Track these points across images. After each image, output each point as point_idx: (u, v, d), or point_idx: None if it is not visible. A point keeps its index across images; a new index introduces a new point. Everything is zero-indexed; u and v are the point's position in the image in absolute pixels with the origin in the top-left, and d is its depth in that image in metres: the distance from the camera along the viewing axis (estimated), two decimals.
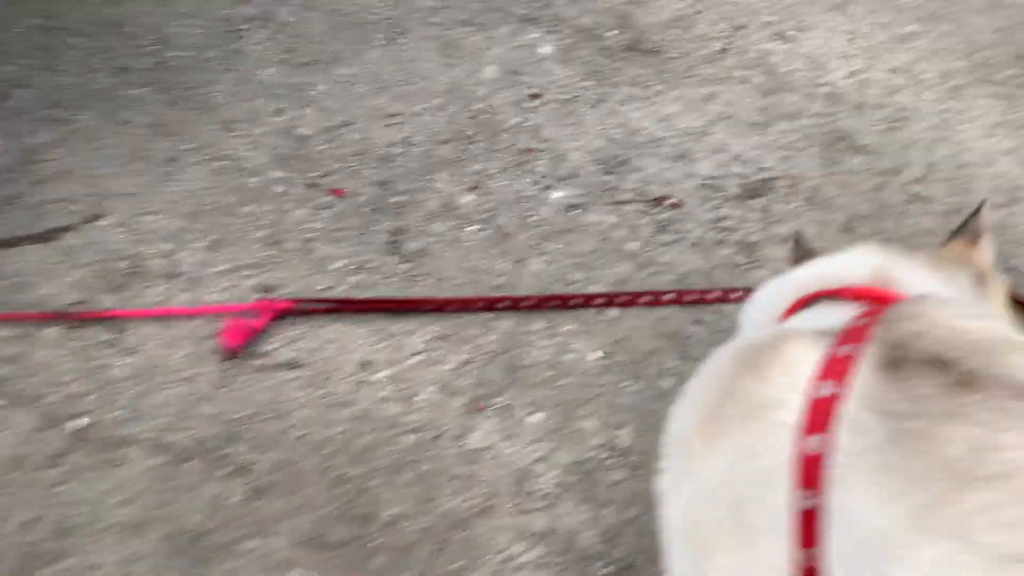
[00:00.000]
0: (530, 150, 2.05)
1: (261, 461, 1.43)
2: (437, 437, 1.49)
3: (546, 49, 2.36)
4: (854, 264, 0.96)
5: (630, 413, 1.55)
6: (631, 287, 1.76)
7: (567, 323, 1.69)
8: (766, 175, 2.05)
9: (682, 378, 1.59)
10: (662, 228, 1.90)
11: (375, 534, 1.35)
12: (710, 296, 1.74)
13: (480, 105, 2.16)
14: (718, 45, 2.45)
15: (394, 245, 1.80)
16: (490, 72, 2.26)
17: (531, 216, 1.89)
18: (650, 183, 2.00)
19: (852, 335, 0.80)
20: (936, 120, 2.26)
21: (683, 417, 0.90)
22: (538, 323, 1.68)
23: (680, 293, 1.74)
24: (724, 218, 1.94)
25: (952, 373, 0.70)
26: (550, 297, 1.70)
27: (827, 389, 0.74)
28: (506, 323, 1.68)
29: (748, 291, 1.75)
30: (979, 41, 2.57)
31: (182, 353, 1.57)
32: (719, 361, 0.90)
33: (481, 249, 1.81)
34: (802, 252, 1.14)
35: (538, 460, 1.47)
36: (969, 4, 2.74)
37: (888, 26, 2.58)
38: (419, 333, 1.64)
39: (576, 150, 2.06)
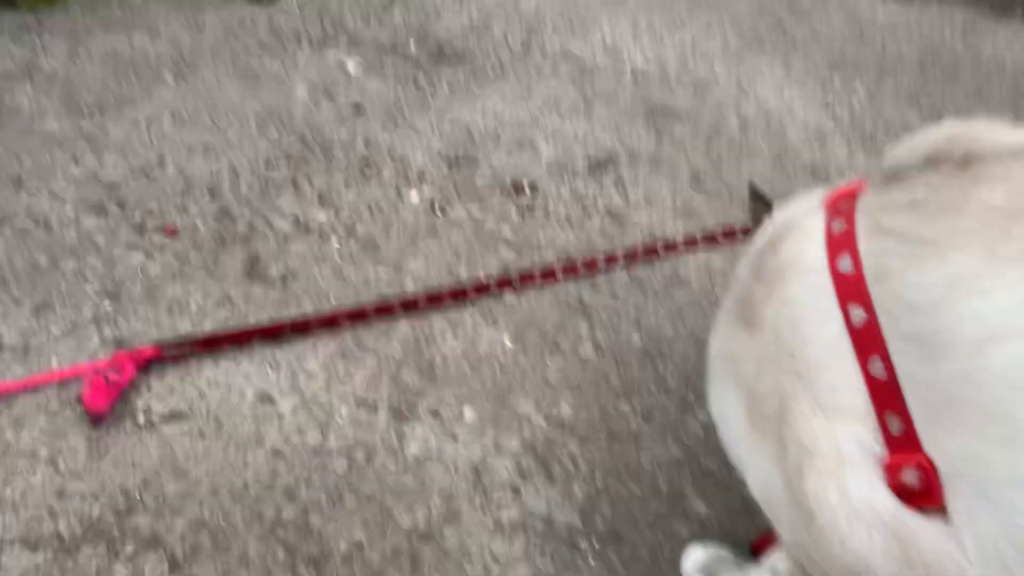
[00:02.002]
0: (370, 159, 1.92)
1: (173, 528, 1.18)
2: (371, 456, 1.31)
3: (353, 67, 2.26)
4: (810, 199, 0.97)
5: (562, 388, 1.46)
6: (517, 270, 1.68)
7: (467, 317, 1.58)
8: (607, 151, 2.07)
9: (597, 343, 1.54)
10: (529, 211, 1.84)
11: (337, 571, 1.15)
12: (598, 264, 1.71)
13: (302, 125, 2.00)
14: (519, 47, 2.47)
15: (254, 273, 1.60)
16: (302, 93, 2.12)
17: (394, 221, 1.77)
18: (502, 173, 1.95)
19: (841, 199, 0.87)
20: (733, 84, 2.41)
21: (718, 334, 0.95)
22: (438, 322, 1.56)
23: (568, 266, 1.68)
24: (583, 193, 1.92)
25: (949, 162, 0.76)
26: (445, 293, 1.58)
27: (846, 263, 0.79)
28: (403, 328, 1.54)
29: (630, 254, 1.74)
30: (741, 18, 2.79)
31: (36, 432, 1.28)
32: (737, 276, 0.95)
33: (353, 261, 1.66)
34: (759, 205, 1.15)
35: (486, 453, 1.34)
36: None
37: (661, 16, 2.74)
38: (311, 356, 1.46)
39: (417, 152, 1.97)
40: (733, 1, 2.89)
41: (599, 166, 2.01)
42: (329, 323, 1.50)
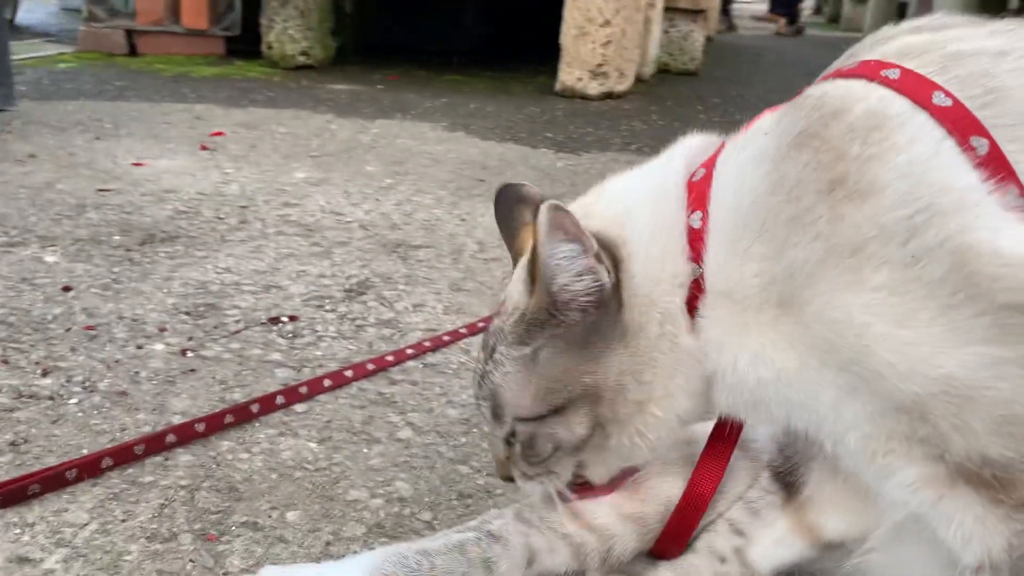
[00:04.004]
0: (94, 326, 1.67)
1: None
2: None
3: (52, 258, 2.01)
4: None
5: (391, 470, 1.28)
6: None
7: (259, 435, 1.35)
8: (359, 279, 1.99)
9: (414, 425, 1.41)
10: (295, 336, 1.69)
11: None
12: (388, 360, 1.58)
13: (2, 311, 1.71)
14: (234, 220, 2.37)
15: None
16: None
17: (141, 371, 1.52)
18: (253, 312, 1.78)
19: None
20: (456, 220, 2.49)
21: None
22: (225, 445, 1.32)
23: (357, 367, 1.54)
24: (348, 313, 1.80)
25: None
26: (225, 412, 1.35)
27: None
28: (184, 457, 1.27)
29: (417, 347, 1.63)
30: (443, 179, 2.95)
31: None
32: None
33: (101, 414, 1.38)
34: (513, 198, 1.02)
35: (328, 545, 1.10)
36: (418, 162, 3.16)
37: (368, 186, 2.81)
38: (74, 508, 1.14)
39: (150, 312, 1.75)
40: (430, 171, 3.06)
41: (357, 292, 1.92)
42: (88, 468, 1.20)
